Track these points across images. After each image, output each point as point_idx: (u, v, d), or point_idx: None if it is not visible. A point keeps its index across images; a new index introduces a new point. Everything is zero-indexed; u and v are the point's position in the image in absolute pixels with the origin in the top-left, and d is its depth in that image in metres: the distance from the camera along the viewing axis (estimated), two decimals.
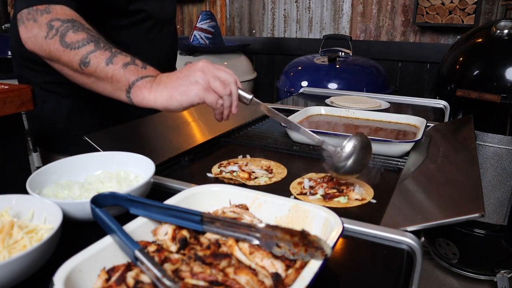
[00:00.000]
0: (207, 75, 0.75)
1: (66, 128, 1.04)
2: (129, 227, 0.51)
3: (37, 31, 0.78)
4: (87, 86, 0.82)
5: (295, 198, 0.74)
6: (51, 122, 1.05)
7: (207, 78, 0.75)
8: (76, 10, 0.82)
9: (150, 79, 0.77)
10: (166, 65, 1.16)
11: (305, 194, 0.75)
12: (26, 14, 0.79)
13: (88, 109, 1.05)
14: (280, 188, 0.79)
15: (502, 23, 1.62)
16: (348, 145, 0.74)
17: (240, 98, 0.79)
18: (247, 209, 0.59)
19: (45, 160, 1.13)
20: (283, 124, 0.83)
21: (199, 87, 0.74)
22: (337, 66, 2.22)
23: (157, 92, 0.75)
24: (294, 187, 0.79)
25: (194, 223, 0.52)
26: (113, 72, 0.76)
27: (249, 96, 0.79)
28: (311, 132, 0.78)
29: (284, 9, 3.00)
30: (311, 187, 0.77)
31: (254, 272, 0.45)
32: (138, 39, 1.05)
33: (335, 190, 0.75)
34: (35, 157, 3.06)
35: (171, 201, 0.57)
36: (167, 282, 0.41)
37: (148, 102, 0.76)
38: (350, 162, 0.73)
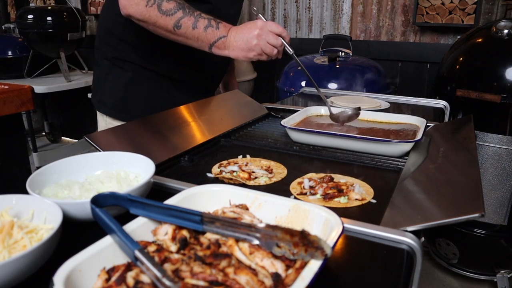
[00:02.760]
0: (260, 42, 1.01)
1: (123, 97, 1.24)
2: (129, 227, 0.52)
3: (138, 0, 1.01)
4: (176, 41, 1.06)
5: (295, 198, 0.74)
6: (111, 91, 1.24)
7: (260, 45, 1.02)
8: None
9: (223, 40, 1.03)
10: (225, 61, 1.35)
11: (305, 194, 0.75)
12: None
13: (141, 86, 1.24)
14: (280, 188, 0.79)
15: (502, 23, 1.62)
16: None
17: (284, 52, 1.09)
18: (247, 209, 0.59)
19: (105, 126, 1.28)
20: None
21: (254, 53, 1.03)
22: (337, 66, 2.22)
23: (228, 52, 1.05)
24: (294, 187, 0.79)
25: (194, 223, 0.52)
26: (198, 34, 1.03)
27: (290, 52, 1.09)
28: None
29: (284, 9, 3.00)
30: (311, 187, 0.77)
31: (254, 272, 0.45)
32: None
33: (335, 190, 0.75)
34: (35, 157, 3.06)
35: (171, 201, 0.57)
36: (167, 282, 0.41)
37: (225, 55, 1.05)
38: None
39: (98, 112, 1.29)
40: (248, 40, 1.01)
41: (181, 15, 1.01)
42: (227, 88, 1.63)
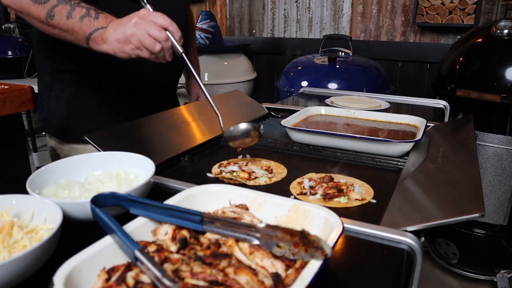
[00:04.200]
0: (138, 32, 0.84)
1: (67, 115, 1.11)
2: (129, 227, 0.52)
3: None
4: (56, 36, 0.92)
5: (295, 198, 0.74)
6: (54, 109, 1.12)
7: (137, 36, 0.84)
8: None
9: (101, 31, 0.87)
10: (175, 65, 1.16)
11: (305, 194, 0.75)
12: None
13: (87, 100, 1.11)
14: (280, 188, 0.79)
15: (502, 23, 1.62)
16: (236, 127, 0.89)
17: (173, 49, 0.88)
18: (247, 209, 0.59)
19: (52, 148, 1.18)
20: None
21: (131, 46, 0.85)
22: (337, 66, 2.22)
23: (106, 45, 0.87)
24: (294, 187, 0.79)
25: (194, 223, 0.52)
26: (73, 25, 0.87)
27: (180, 50, 0.88)
28: (214, 105, 0.93)
29: (284, 9, 3.00)
30: (311, 187, 0.77)
31: (254, 272, 0.45)
32: None
33: (335, 190, 0.75)
34: (35, 157, 3.07)
35: (171, 201, 0.57)
36: (167, 282, 0.41)
37: (102, 51, 0.88)
38: (235, 137, 0.89)
39: (47, 135, 1.19)
40: (125, 29, 0.84)
41: (55, 3, 0.87)
42: (190, 92, 1.49)
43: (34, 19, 0.90)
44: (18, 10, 0.91)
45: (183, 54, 0.88)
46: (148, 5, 0.90)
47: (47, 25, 0.89)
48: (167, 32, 0.86)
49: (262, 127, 0.90)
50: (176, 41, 0.87)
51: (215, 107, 0.92)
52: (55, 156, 1.17)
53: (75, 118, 1.11)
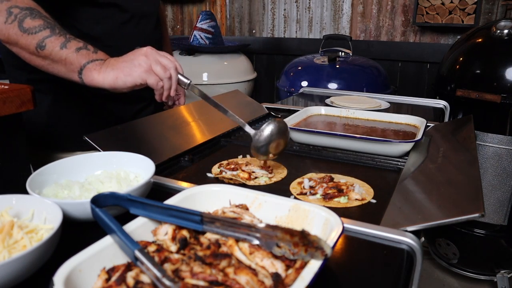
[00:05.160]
0: (149, 59, 0.83)
1: (48, 125, 1.08)
2: (129, 227, 0.52)
3: None
4: (43, 68, 0.87)
5: (295, 198, 0.74)
6: (33, 118, 1.08)
7: (149, 62, 0.83)
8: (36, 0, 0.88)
9: (100, 62, 0.84)
10: None
11: (305, 194, 0.75)
12: None
13: (68, 107, 1.09)
14: (280, 188, 0.79)
15: (502, 23, 1.62)
16: (267, 129, 0.81)
17: (179, 82, 0.88)
18: (247, 209, 0.59)
19: (33, 158, 1.13)
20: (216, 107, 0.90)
21: (141, 69, 0.82)
22: (337, 66, 2.22)
23: (105, 73, 0.83)
24: (294, 187, 0.79)
25: (194, 223, 0.52)
26: (67, 55, 0.83)
27: (187, 81, 0.88)
28: (235, 115, 0.87)
29: (284, 9, 3.00)
30: (311, 187, 0.77)
31: (254, 272, 0.45)
32: (111, 32, 1.05)
33: (335, 190, 0.75)
34: None
35: (171, 201, 0.57)
36: (167, 282, 0.41)
37: (97, 82, 0.84)
38: (266, 144, 0.81)
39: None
40: (134, 57, 0.83)
41: (47, 34, 0.83)
42: None
43: (22, 50, 0.86)
44: (5, 41, 0.87)
45: (191, 82, 0.88)
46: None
47: (36, 55, 0.85)
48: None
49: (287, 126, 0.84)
50: (182, 75, 0.87)
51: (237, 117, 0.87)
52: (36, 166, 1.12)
53: (57, 126, 1.09)
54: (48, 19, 0.86)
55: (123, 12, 1.06)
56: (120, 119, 1.10)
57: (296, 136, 1.04)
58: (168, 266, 0.45)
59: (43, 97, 1.06)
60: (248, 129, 0.84)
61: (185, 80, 0.87)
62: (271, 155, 0.83)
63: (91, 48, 0.86)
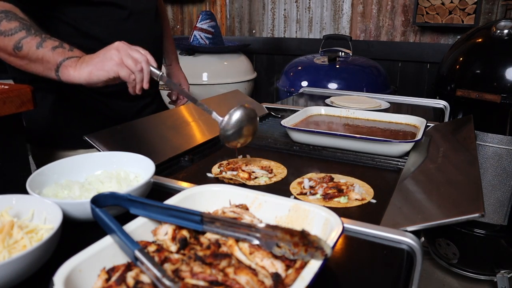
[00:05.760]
0: (121, 53, 0.85)
1: (51, 122, 1.10)
2: (129, 227, 0.52)
3: None
4: (23, 68, 0.90)
5: (295, 198, 0.74)
6: (37, 117, 1.10)
7: (120, 56, 0.85)
8: (14, 3, 0.90)
9: (75, 59, 0.86)
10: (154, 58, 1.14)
11: (305, 194, 0.75)
12: None
13: (69, 104, 1.10)
14: (280, 188, 0.79)
15: (502, 23, 1.62)
16: (234, 115, 0.84)
17: (152, 74, 0.88)
18: (247, 209, 0.59)
19: (35, 157, 1.15)
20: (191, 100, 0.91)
21: (113, 63, 0.84)
22: (337, 66, 2.22)
23: (80, 70, 0.86)
24: (294, 187, 0.79)
25: (194, 223, 0.52)
26: (43, 54, 0.85)
27: (159, 73, 0.89)
28: (204, 104, 0.88)
29: (284, 9, 3.00)
30: (311, 187, 0.77)
31: (254, 272, 0.45)
32: (110, 31, 1.06)
33: (335, 190, 0.75)
34: None
35: (171, 201, 0.57)
36: (167, 282, 0.41)
37: (73, 78, 0.86)
38: (234, 130, 0.83)
39: (28, 145, 1.14)
40: (106, 52, 0.85)
41: (23, 35, 0.85)
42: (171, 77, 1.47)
43: (1, 51, 0.88)
44: None
45: (163, 75, 0.89)
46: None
47: (15, 56, 0.87)
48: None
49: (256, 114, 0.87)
50: (155, 68, 0.88)
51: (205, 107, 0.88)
52: (39, 164, 1.13)
53: (59, 124, 1.10)
54: (24, 21, 0.87)
55: (121, 10, 1.07)
56: (124, 116, 1.11)
57: (296, 136, 1.04)
58: (168, 266, 0.45)
59: (46, 96, 1.08)
60: (215, 116, 0.85)
61: (157, 72, 0.88)
62: (239, 143, 0.86)
63: (66, 46, 0.88)
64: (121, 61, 0.85)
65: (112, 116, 1.13)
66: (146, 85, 0.88)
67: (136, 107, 1.19)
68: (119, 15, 1.07)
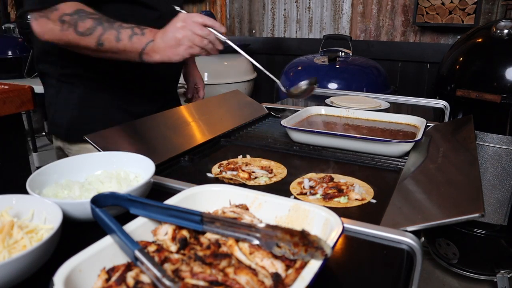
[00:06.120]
0: (186, 33, 0.91)
1: (77, 115, 1.14)
2: (129, 227, 0.51)
3: (52, 26, 0.94)
4: (106, 58, 0.98)
5: (295, 198, 0.74)
6: (63, 110, 1.14)
7: (187, 38, 0.92)
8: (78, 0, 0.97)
9: (151, 45, 0.93)
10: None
11: (305, 194, 0.75)
12: (38, 13, 0.95)
13: (96, 100, 1.15)
14: (280, 188, 0.79)
15: (502, 23, 1.62)
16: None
17: (219, 39, 0.96)
18: (247, 209, 0.59)
19: (59, 151, 1.20)
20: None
21: (184, 47, 0.92)
22: (337, 66, 2.22)
23: (160, 55, 0.94)
24: (294, 187, 0.79)
25: (194, 223, 0.52)
26: (125, 46, 0.94)
27: (224, 38, 0.97)
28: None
29: (284, 9, 3.00)
30: (311, 187, 0.77)
31: (254, 272, 0.45)
32: None
33: (335, 190, 0.75)
34: (35, 157, 3.07)
35: (171, 201, 0.57)
36: (167, 282, 0.41)
37: (157, 61, 0.95)
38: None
39: (53, 136, 1.21)
40: (174, 35, 0.92)
41: (101, 31, 0.92)
42: (187, 79, 1.53)
43: (85, 49, 0.96)
44: (66, 44, 0.96)
45: (227, 41, 0.97)
46: (182, 10, 1.00)
47: (98, 51, 0.95)
48: (209, 29, 0.94)
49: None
50: (219, 32, 0.95)
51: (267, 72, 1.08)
52: (63, 156, 1.18)
53: (85, 119, 1.14)
54: (94, 15, 0.94)
55: (152, 10, 1.12)
56: (146, 113, 1.12)
57: (296, 136, 1.04)
58: (168, 266, 0.45)
59: (74, 90, 1.13)
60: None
61: (222, 38, 0.96)
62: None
63: (138, 31, 0.94)
64: (190, 43, 0.92)
65: (134, 111, 1.17)
66: (219, 48, 0.97)
67: (157, 104, 1.23)
68: (151, 15, 1.11)
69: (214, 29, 0.94)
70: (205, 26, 0.93)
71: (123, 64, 1.05)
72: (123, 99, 1.17)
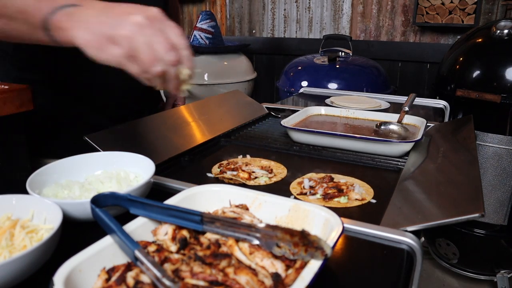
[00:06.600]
0: (136, 37, 0.56)
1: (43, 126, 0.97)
2: (129, 227, 0.51)
3: None
4: (2, 34, 0.66)
5: (295, 198, 0.74)
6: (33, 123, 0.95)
7: (133, 43, 0.56)
8: None
9: (70, 10, 0.58)
10: None
11: (305, 194, 0.75)
12: None
13: (62, 110, 0.98)
14: (280, 188, 0.79)
15: (502, 23, 1.62)
16: None
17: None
18: (247, 209, 0.59)
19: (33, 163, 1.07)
20: None
21: (119, 51, 0.56)
22: (337, 66, 2.22)
23: (80, 38, 0.57)
24: (294, 187, 0.79)
25: (194, 223, 0.52)
26: (26, 5, 0.60)
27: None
28: None
29: (284, 9, 3.00)
30: (311, 187, 0.77)
31: (254, 272, 0.45)
32: None
33: (335, 190, 0.75)
34: None
35: (171, 201, 0.57)
36: (167, 282, 0.41)
37: (67, 41, 0.59)
38: None
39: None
40: (117, 22, 0.56)
41: None
42: (166, 95, 1.31)
43: None
44: None
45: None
46: None
47: None
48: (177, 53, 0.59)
49: None
50: (185, 73, 0.61)
51: None
52: None
53: (53, 129, 0.98)
54: None
55: None
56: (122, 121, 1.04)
57: (296, 136, 1.04)
58: (168, 266, 0.45)
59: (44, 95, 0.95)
60: None
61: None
62: None
63: None
64: (132, 52, 0.56)
65: (110, 118, 1.04)
66: (173, 90, 0.63)
67: (135, 112, 1.10)
68: None
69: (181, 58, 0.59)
70: (174, 47, 0.58)
71: (89, 72, 0.82)
72: (95, 107, 1.00)
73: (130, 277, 0.44)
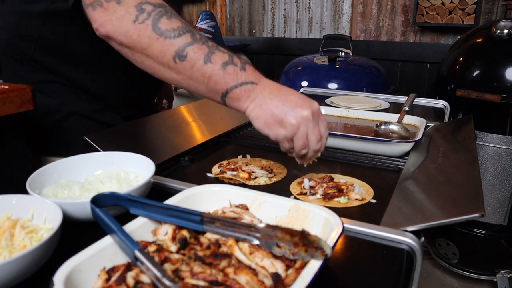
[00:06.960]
0: (299, 127, 0.68)
1: (46, 127, 1.00)
2: (129, 227, 0.52)
3: (122, 14, 0.66)
4: (173, 83, 0.71)
5: (295, 198, 0.74)
6: (35, 122, 0.99)
7: (295, 131, 0.68)
8: None
9: (249, 87, 0.68)
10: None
11: (305, 194, 0.75)
12: None
13: (70, 114, 1.00)
14: (280, 188, 0.79)
15: (502, 23, 1.62)
16: None
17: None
18: (247, 209, 0.59)
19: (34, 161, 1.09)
20: None
21: (283, 132, 0.68)
22: (337, 66, 2.22)
23: (252, 111, 0.69)
24: (294, 187, 0.79)
25: (194, 223, 0.52)
26: (212, 72, 0.66)
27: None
28: None
29: (284, 9, 3.00)
30: (311, 187, 0.77)
31: (254, 272, 0.45)
32: None
33: (335, 190, 0.75)
34: None
35: (171, 201, 0.57)
36: (167, 282, 0.41)
37: (240, 110, 0.70)
38: None
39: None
40: (288, 111, 0.67)
41: (189, 40, 0.66)
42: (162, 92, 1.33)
43: (151, 58, 0.67)
44: (127, 44, 0.68)
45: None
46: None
47: (169, 68, 0.67)
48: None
49: None
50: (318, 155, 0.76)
51: None
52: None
53: (59, 133, 1.00)
54: (184, 21, 0.69)
55: None
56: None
57: None
58: (168, 266, 0.45)
59: (49, 101, 0.98)
60: None
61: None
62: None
63: (237, 61, 0.68)
64: (292, 136, 0.68)
65: (111, 123, 1.05)
66: (307, 161, 0.76)
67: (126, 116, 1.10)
68: None
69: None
70: (321, 137, 0.72)
71: (99, 74, 0.87)
72: (99, 112, 1.02)
73: (130, 277, 0.44)
